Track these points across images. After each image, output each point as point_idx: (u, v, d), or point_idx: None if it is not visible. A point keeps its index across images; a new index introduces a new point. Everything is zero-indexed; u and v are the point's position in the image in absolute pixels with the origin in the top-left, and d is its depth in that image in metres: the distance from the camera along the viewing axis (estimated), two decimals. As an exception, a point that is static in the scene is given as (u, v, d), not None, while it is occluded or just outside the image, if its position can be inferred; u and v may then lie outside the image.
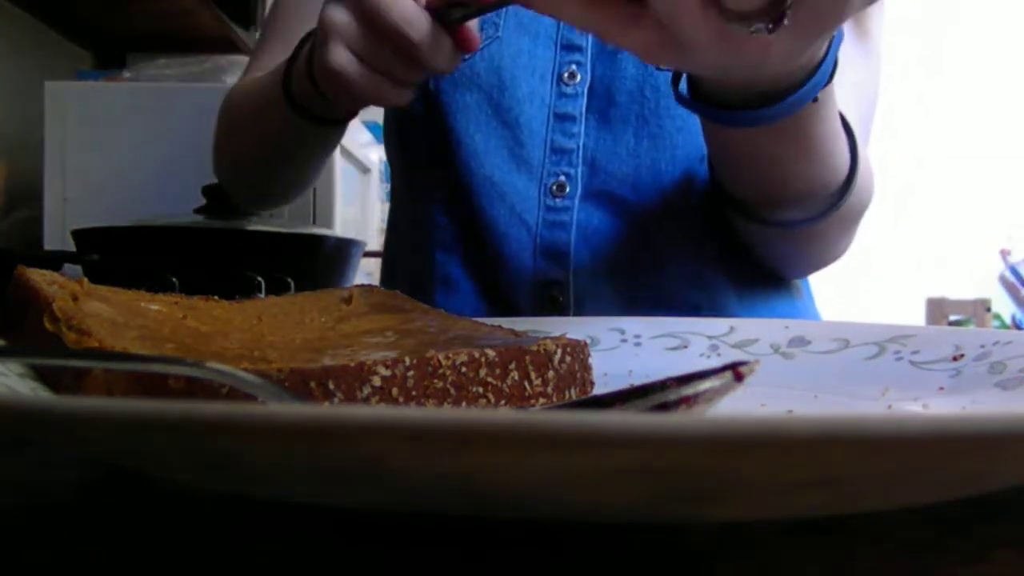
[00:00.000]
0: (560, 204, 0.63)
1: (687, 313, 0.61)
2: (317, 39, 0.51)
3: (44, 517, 0.21)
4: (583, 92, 0.64)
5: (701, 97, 0.47)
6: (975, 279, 2.66)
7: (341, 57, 0.49)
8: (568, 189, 0.63)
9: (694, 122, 0.60)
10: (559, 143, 0.64)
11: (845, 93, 0.55)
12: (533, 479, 0.14)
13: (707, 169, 0.61)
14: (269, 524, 0.20)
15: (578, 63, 0.64)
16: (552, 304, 0.63)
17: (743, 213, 0.58)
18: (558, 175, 0.64)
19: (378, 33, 0.47)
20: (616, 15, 0.37)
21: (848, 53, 0.61)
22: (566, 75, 0.64)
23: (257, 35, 1.70)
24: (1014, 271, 2.62)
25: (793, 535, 0.19)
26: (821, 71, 0.43)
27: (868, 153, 0.60)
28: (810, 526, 0.19)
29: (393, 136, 0.73)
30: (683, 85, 0.48)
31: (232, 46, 1.62)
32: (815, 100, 0.45)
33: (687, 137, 0.63)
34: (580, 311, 0.62)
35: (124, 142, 1.17)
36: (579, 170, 0.63)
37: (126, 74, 1.38)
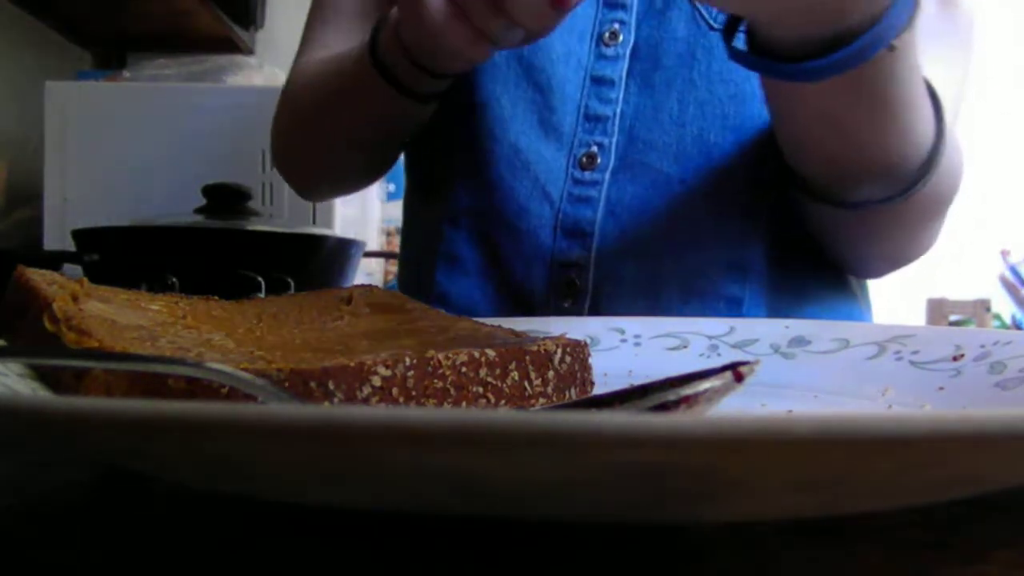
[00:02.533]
0: (589, 177, 0.58)
1: (724, 308, 0.56)
2: None
3: (44, 517, 0.21)
4: (625, 54, 0.59)
5: (759, 51, 0.42)
6: (975, 279, 2.66)
7: (435, 5, 0.46)
8: (600, 161, 0.58)
9: (750, 89, 0.56)
10: (594, 109, 0.59)
11: (926, 70, 0.49)
12: (533, 479, 0.14)
13: (762, 141, 0.56)
14: (269, 524, 0.20)
15: (621, 22, 0.59)
16: (568, 288, 0.58)
17: (813, 193, 0.52)
18: (590, 144, 0.58)
19: None
20: None
21: (930, 24, 0.54)
22: (607, 35, 0.59)
23: (257, 35, 1.70)
24: (1014, 271, 2.62)
25: (793, 535, 0.19)
26: (895, 11, 0.39)
27: (957, 135, 0.53)
28: (810, 526, 0.19)
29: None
30: (739, 40, 0.43)
31: (232, 46, 1.62)
32: (891, 48, 0.40)
33: (740, 105, 0.56)
34: (598, 296, 0.57)
35: (124, 142, 1.17)
36: (614, 139, 0.58)
37: (126, 74, 1.38)
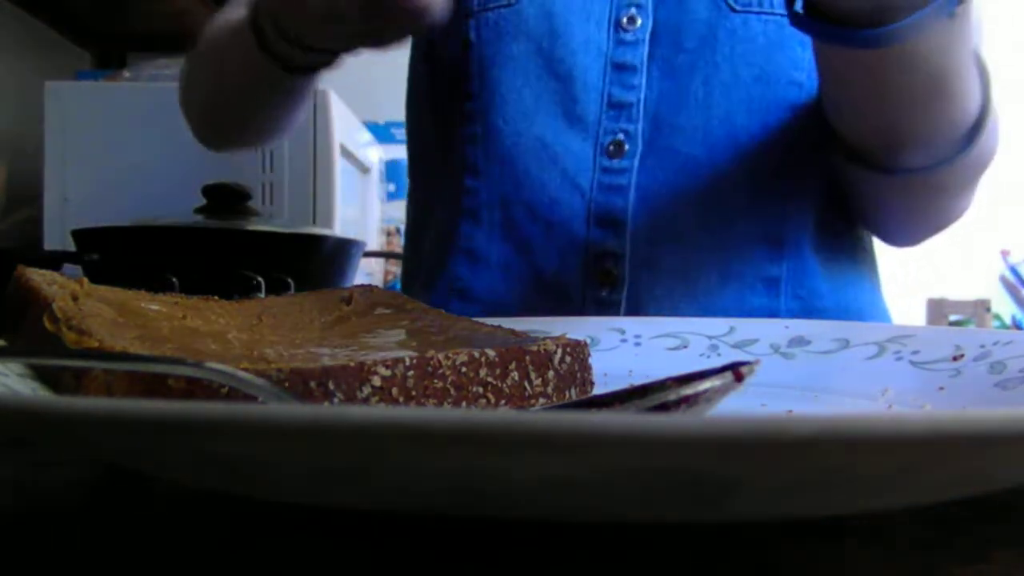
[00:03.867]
0: (617, 165, 0.58)
1: (762, 289, 0.57)
2: None
3: (44, 517, 0.21)
4: (644, 39, 0.58)
5: (819, 14, 0.42)
6: (975, 279, 2.66)
7: None
8: (627, 148, 0.57)
9: (774, 70, 0.56)
10: (617, 97, 0.58)
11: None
12: (533, 479, 0.14)
13: (790, 119, 0.56)
14: (269, 524, 0.20)
15: (638, 6, 0.58)
16: (605, 277, 0.58)
17: (859, 161, 0.53)
18: (616, 132, 0.58)
19: None
20: None
21: None
22: (625, 20, 0.58)
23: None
24: (1014, 271, 2.62)
25: (793, 535, 0.19)
26: None
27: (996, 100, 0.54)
28: (810, 526, 0.19)
29: (418, 100, 0.68)
30: (799, 3, 0.43)
31: (232, 46, 1.62)
32: (951, 15, 0.40)
33: (766, 87, 0.57)
34: (636, 284, 0.57)
35: (124, 142, 1.17)
36: (640, 126, 0.58)
37: (126, 74, 1.38)
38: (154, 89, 1.25)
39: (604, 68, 0.59)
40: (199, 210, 0.85)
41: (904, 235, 0.62)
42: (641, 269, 0.57)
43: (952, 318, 2.52)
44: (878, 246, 0.66)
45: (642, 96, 0.58)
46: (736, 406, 0.25)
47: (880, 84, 0.46)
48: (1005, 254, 2.65)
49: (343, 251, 0.86)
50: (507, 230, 0.61)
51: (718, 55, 0.57)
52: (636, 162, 0.58)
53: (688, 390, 0.22)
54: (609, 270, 0.58)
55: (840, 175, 0.57)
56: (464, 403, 0.29)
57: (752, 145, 0.57)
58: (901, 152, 0.51)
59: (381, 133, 1.69)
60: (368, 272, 1.50)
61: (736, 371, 0.23)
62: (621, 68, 0.58)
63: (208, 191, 0.85)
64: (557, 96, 0.59)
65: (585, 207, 0.58)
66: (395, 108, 0.76)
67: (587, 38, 0.59)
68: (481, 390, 0.30)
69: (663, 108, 0.58)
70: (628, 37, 0.58)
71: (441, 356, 0.29)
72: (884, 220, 0.60)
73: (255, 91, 0.63)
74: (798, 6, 0.44)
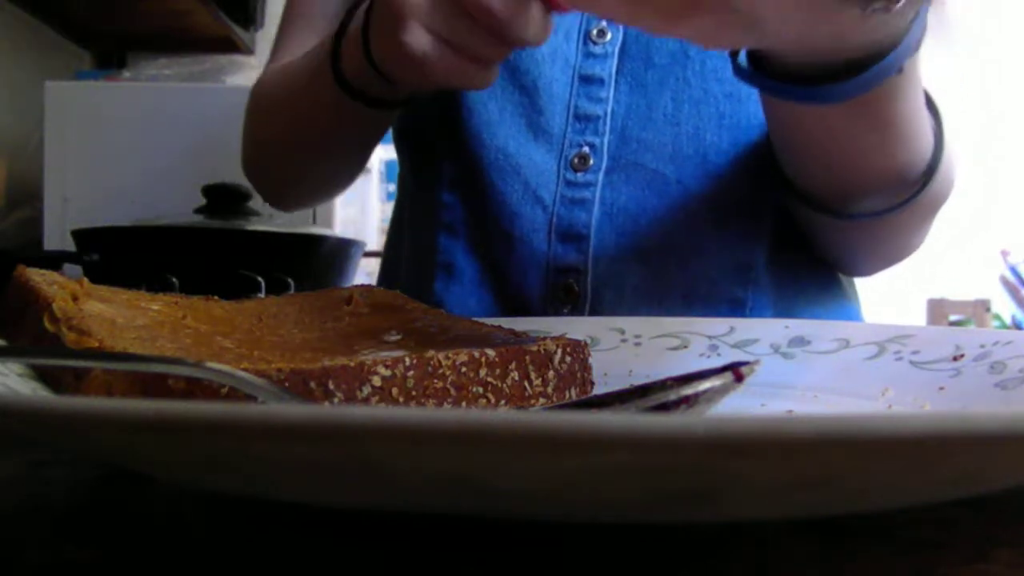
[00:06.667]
0: (582, 179, 0.57)
1: (727, 310, 0.56)
2: (380, 18, 0.46)
3: (44, 517, 0.21)
4: (613, 52, 0.57)
5: (764, 70, 0.42)
6: (975, 279, 2.66)
7: (420, 40, 0.43)
8: (592, 162, 0.56)
9: (746, 87, 0.54)
10: (583, 109, 0.57)
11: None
12: (533, 479, 0.14)
13: (760, 140, 0.55)
14: (269, 524, 0.20)
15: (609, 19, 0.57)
16: (567, 294, 0.57)
17: (810, 205, 0.52)
18: (581, 145, 0.57)
19: (460, 8, 0.42)
20: (666, 4, 0.33)
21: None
22: (594, 32, 0.58)
23: (257, 35, 1.70)
24: (1014, 271, 2.62)
25: (793, 535, 0.19)
26: (909, 36, 0.39)
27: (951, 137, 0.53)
28: (810, 526, 0.19)
29: (398, 119, 0.67)
30: (743, 56, 0.43)
31: (232, 46, 1.62)
32: (900, 71, 0.40)
33: (736, 103, 0.56)
34: (598, 302, 0.56)
35: (124, 142, 1.17)
36: (606, 139, 0.56)
37: (126, 74, 1.38)
38: (154, 89, 1.25)
39: (571, 80, 0.58)
40: (199, 210, 0.85)
41: (859, 268, 0.62)
42: (604, 286, 0.56)
43: (952, 318, 2.52)
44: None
45: (609, 109, 0.57)
46: (736, 406, 0.25)
47: (829, 135, 0.46)
48: (1005, 254, 2.65)
49: (343, 251, 0.86)
50: (476, 245, 0.60)
51: (688, 71, 0.56)
52: (601, 176, 0.56)
53: (688, 390, 0.22)
54: (571, 286, 0.56)
55: (794, 214, 0.57)
56: (464, 403, 0.29)
57: (721, 163, 0.56)
58: (852, 199, 0.50)
59: (381, 133, 1.69)
60: (368, 272, 1.50)
61: (736, 371, 0.23)
62: (588, 80, 0.57)
63: (208, 191, 0.86)
64: (521, 108, 0.58)
65: (547, 221, 0.57)
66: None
67: (554, 50, 0.58)
68: (481, 390, 0.30)
69: (631, 122, 0.57)
70: (597, 50, 0.58)
71: (441, 356, 0.29)
72: (839, 256, 0.59)
73: (332, 132, 0.61)
74: (742, 59, 0.43)
